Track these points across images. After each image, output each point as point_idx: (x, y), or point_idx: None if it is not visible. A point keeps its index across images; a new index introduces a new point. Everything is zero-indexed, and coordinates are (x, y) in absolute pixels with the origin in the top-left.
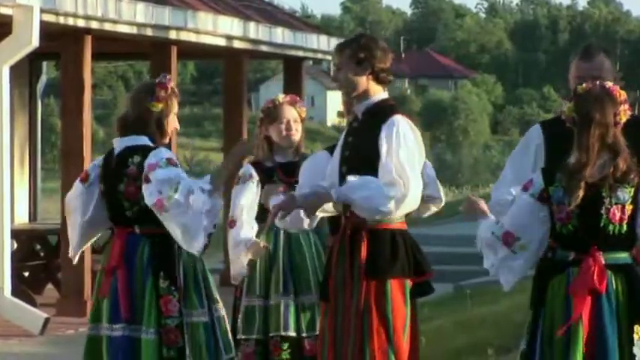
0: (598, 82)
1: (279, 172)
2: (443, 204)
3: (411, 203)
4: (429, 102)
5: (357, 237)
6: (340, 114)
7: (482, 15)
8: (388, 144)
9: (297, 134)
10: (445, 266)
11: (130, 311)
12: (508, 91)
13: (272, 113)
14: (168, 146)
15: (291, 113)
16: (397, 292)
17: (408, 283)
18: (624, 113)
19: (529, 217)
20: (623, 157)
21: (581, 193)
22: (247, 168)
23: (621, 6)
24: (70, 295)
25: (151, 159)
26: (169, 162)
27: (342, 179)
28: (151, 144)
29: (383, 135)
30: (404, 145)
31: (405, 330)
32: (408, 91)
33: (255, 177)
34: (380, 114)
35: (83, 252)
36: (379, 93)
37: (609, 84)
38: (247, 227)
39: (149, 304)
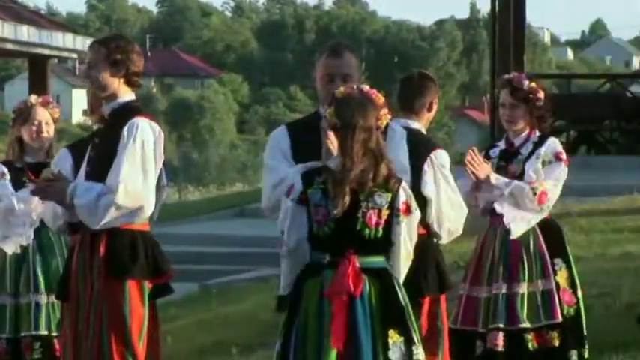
0: (356, 87)
1: (28, 173)
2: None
3: (135, 208)
4: (174, 101)
5: (97, 236)
6: (85, 112)
7: (229, 14)
8: (123, 148)
9: (48, 136)
10: (190, 265)
11: None
12: (254, 90)
13: (24, 114)
14: None
15: (43, 115)
16: (135, 293)
17: (147, 284)
18: (385, 117)
19: (292, 221)
20: (385, 162)
21: (347, 199)
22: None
23: (367, 6)
24: None
25: None
26: None
27: (87, 178)
28: None
29: (123, 137)
30: (139, 149)
31: (142, 332)
32: (154, 90)
33: (7, 175)
34: (124, 115)
35: None
36: (127, 94)
37: (367, 87)
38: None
39: None
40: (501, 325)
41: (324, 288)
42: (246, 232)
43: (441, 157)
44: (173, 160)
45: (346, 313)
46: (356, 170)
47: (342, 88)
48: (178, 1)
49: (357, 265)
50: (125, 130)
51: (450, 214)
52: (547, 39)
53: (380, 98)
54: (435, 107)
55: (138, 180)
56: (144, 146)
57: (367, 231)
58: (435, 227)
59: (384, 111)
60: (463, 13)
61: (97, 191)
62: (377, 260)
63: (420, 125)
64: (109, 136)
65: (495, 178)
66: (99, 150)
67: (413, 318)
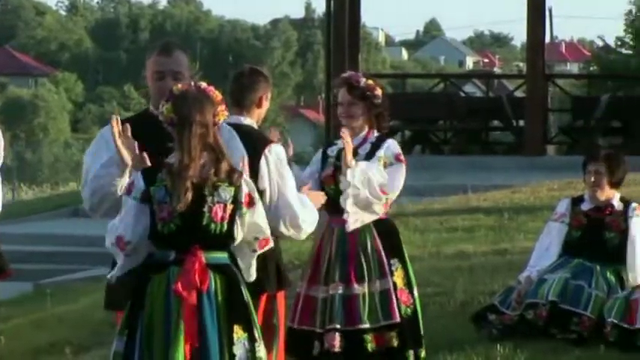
0: (193, 83)
1: None
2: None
3: None
4: (8, 100)
5: None
6: None
7: (63, 13)
8: None
9: None
10: (24, 265)
11: None
12: (89, 89)
13: None
14: None
15: None
16: None
17: None
18: (222, 114)
19: (135, 219)
20: (226, 157)
21: (189, 194)
22: None
23: (201, 5)
24: None
25: None
26: None
27: None
28: None
29: None
30: None
31: None
32: None
33: None
34: None
35: None
36: None
37: (204, 84)
38: None
39: None
40: (338, 326)
41: (170, 285)
42: (80, 232)
43: (276, 152)
44: (6, 159)
45: (194, 309)
46: (195, 165)
47: (179, 85)
48: (12, 0)
49: (204, 260)
50: None
51: (288, 207)
52: (381, 39)
53: (217, 95)
54: (265, 103)
55: None
56: None
57: (213, 226)
58: (273, 222)
59: (221, 107)
60: (298, 13)
61: None
62: (222, 256)
63: (251, 121)
64: None
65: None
66: None
67: (254, 315)
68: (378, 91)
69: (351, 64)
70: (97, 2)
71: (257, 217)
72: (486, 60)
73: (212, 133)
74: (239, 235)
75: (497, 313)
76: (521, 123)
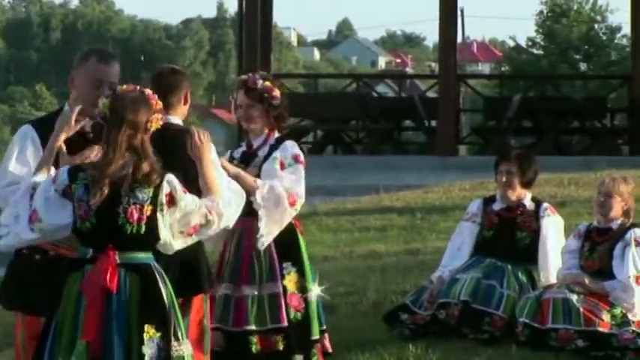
0: (139, 87)
1: None
2: None
3: None
4: None
5: None
6: None
7: None
8: None
9: None
10: None
11: None
12: None
13: None
14: None
15: None
16: None
17: None
18: (156, 122)
19: (52, 209)
20: (149, 161)
21: (106, 190)
22: None
23: (113, 5)
24: None
25: None
26: None
27: None
28: None
29: None
30: None
31: None
32: None
33: None
34: None
35: None
36: None
37: (149, 91)
38: None
39: None
40: (220, 326)
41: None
42: None
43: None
44: None
45: (99, 306)
46: (116, 163)
47: (124, 86)
48: None
49: (117, 260)
50: None
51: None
52: (294, 39)
53: (157, 103)
54: (189, 99)
55: None
56: None
57: (128, 227)
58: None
59: (157, 116)
60: (210, 13)
61: None
62: (140, 256)
63: (178, 119)
64: None
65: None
66: None
67: (179, 315)
68: (276, 92)
69: (263, 64)
70: (9, 2)
71: (178, 215)
72: (399, 60)
73: (140, 136)
74: (163, 234)
75: (410, 312)
76: (434, 123)
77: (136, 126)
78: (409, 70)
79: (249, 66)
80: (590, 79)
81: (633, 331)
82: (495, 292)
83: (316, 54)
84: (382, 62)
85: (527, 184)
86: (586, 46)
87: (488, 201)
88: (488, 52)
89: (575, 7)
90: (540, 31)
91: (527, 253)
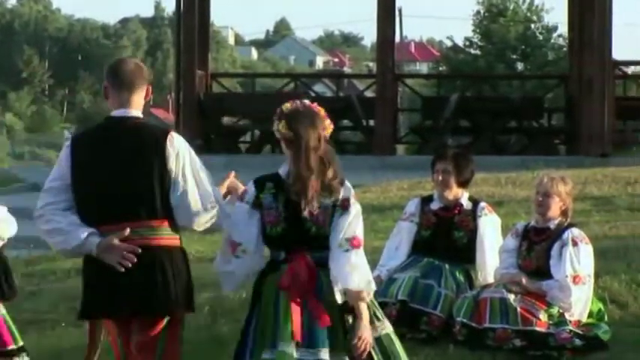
0: (300, 102)
1: None
2: None
3: None
4: None
5: None
6: None
7: None
8: None
9: None
10: None
11: None
12: None
13: None
14: None
15: None
16: None
17: None
18: (329, 127)
19: (246, 221)
20: (332, 166)
21: (315, 203)
22: None
23: (50, 4)
24: None
25: None
26: None
27: None
28: None
29: None
30: None
31: None
32: None
33: None
34: None
35: None
36: None
37: (308, 102)
38: None
39: None
40: None
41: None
42: None
43: (177, 138)
44: None
45: (302, 304)
46: (312, 176)
47: (287, 104)
48: None
49: (310, 259)
50: None
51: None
52: (231, 38)
53: (321, 110)
54: (149, 94)
55: None
56: None
57: (315, 229)
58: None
59: (328, 121)
60: (148, 12)
61: None
62: (326, 255)
63: (138, 113)
64: None
65: None
66: None
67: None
68: None
69: (201, 64)
70: None
71: (351, 217)
72: (336, 60)
73: (322, 147)
74: (334, 231)
75: None
76: (371, 122)
77: (318, 138)
78: (347, 69)
79: (187, 65)
80: (527, 79)
81: (570, 330)
82: (433, 291)
83: (254, 53)
84: (320, 62)
85: (463, 184)
86: (523, 46)
87: (426, 200)
88: (425, 51)
89: (511, 7)
90: (477, 31)
91: (465, 253)
